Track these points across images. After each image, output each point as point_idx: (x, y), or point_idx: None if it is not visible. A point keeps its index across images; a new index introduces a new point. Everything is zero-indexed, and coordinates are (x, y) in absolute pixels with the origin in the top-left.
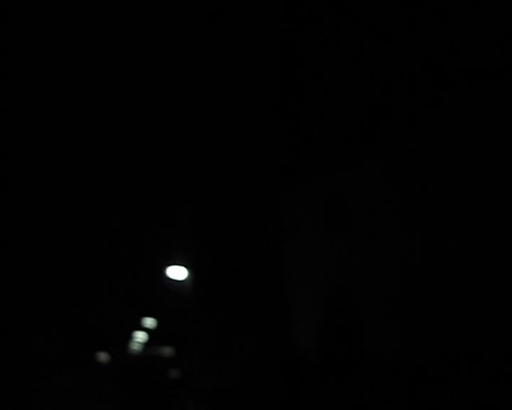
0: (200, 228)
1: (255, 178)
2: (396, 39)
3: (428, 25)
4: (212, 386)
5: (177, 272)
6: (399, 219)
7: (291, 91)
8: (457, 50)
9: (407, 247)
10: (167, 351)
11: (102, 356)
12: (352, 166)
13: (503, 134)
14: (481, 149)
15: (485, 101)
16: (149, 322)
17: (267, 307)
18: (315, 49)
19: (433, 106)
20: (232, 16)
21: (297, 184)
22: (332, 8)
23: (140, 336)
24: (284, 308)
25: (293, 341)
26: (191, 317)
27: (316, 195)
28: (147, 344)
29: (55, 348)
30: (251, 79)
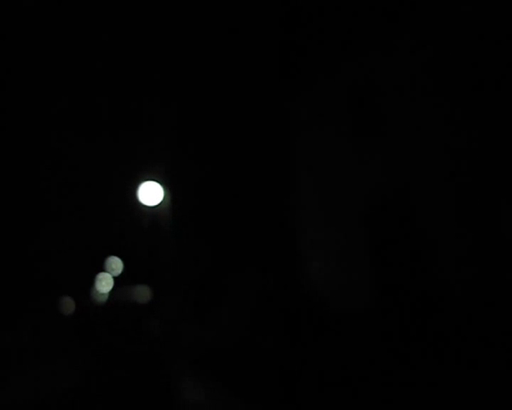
0: (182, 132)
1: (259, 69)
2: None
3: None
4: (204, 344)
5: (150, 193)
6: (447, 109)
7: None
8: None
9: (461, 141)
10: (141, 296)
11: (62, 303)
12: (383, 49)
13: None
14: None
15: None
16: (116, 261)
17: (273, 238)
18: None
19: None
20: None
21: (312, 78)
22: None
23: (106, 279)
24: (297, 238)
25: (312, 281)
26: (171, 250)
27: (338, 89)
28: (115, 288)
29: (10, 293)
30: None
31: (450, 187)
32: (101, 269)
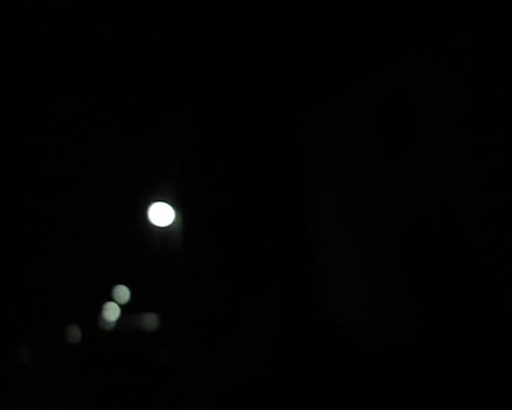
0: (194, 148)
1: (275, 80)
2: None
3: None
4: (218, 376)
5: (160, 214)
6: (486, 124)
7: None
8: None
9: (503, 158)
10: (150, 324)
11: (68, 331)
12: (415, 58)
13: None
14: None
15: None
16: (123, 289)
17: (293, 263)
18: None
19: None
20: None
21: (335, 88)
22: None
23: (113, 307)
24: (316, 264)
25: (335, 311)
26: (181, 277)
27: (364, 100)
28: (122, 316)
29: (14, 321)
30: None
31: (492, 206)
32: (108, 297)
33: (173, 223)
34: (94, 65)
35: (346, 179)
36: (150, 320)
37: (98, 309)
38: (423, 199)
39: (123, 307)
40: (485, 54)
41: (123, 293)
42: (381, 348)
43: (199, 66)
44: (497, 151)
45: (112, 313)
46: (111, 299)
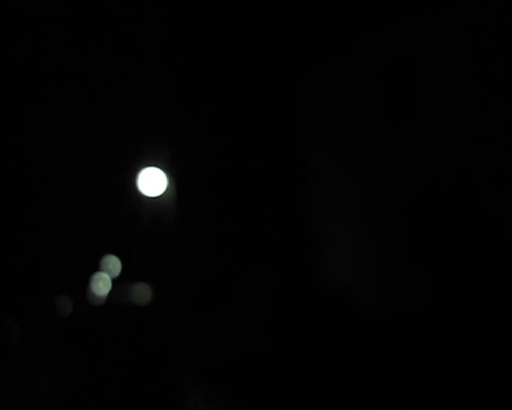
0: (189, 109)
1: (271, 37)
2: None
3: None
4: (214, 353)
5: (152, 181)
6: (496, 83)
7: None
8: None
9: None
10: (141, 296)
11: (58, 304)
12: (422, 15)
13: None
14: None
15: None
16: (114, 260)
17: (289, 233)
18: None
19: None
20: None
21: (335, 46)
22: None
23: (103, 279)
24: (315, 233)
25: (334, 282)
26: (174, 247)
27: (367, 62)
28: (113, 288)
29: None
30: None
31: (507, 171)
32: (98, 269)
33: (166, 191)
34: (82, 25)
35: (348, 143)
36: (142, 292)
37: (88, 281)
38: (430, 163)
39: (114, 280)
40: (492, 12)
41: (113, 265)
42: (382, 320)
43: (194, 23)
44: (509, 111)
45: (103, 285)
46: (101, 271)
